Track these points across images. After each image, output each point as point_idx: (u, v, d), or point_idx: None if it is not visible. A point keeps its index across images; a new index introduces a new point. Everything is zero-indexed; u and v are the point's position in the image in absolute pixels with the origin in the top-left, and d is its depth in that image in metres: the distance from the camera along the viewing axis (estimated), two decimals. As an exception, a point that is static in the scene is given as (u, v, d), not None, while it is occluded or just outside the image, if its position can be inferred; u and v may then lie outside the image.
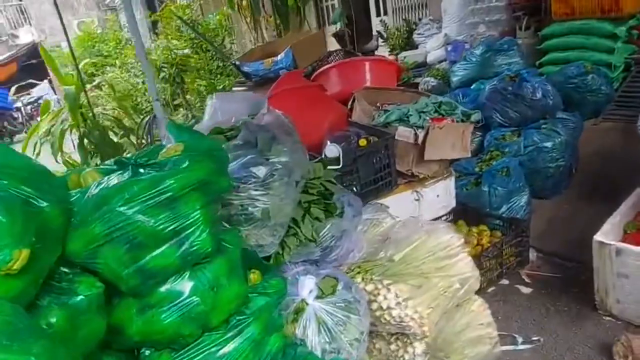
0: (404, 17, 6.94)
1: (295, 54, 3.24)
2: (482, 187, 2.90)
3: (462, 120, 2.68)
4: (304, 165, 1.62)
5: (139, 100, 6.78)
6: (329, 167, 2.31)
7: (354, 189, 2.46)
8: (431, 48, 5.98)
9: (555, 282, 2.60)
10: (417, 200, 2.77)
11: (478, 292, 2.27)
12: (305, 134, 2.52)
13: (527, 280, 2.65)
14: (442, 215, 2.95)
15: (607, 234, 2.06)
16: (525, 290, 2.59)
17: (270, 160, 1.45)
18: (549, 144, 3.02)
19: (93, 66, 10.84)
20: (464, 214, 2.96)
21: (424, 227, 1.97)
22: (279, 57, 3.30)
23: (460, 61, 4.04)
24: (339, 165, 2.29)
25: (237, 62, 3.39)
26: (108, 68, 8.27)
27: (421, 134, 2.52)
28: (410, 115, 2.56)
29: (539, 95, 3.12)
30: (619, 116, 4.15)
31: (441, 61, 5.86)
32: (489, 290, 2.60)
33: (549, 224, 3.01)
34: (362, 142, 2.39)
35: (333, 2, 9.04)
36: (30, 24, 20.65)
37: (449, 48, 5.66)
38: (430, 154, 2.54)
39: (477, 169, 3.10)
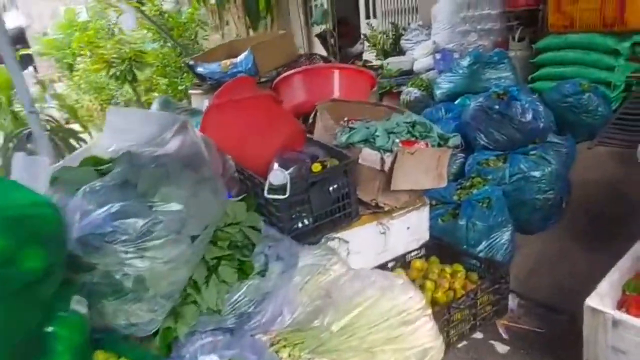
0: (391, 21, 6.56)
1: (258, 56, 2.84)
2: (460, 220, 2.52)
3: (439, 145, 2.30)
4: (212, 211, 1.22)
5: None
6: (274, 196, 1.93)
7: (305, 221, 2.07)
8: (419, 55, 5.60)
9: (537, 338, 2.23)
10: (383, 233, 2.39)
11: (446, 348, 1.89)
12: (253, 155, 2.14)
13: (504, 335, 2.28)
14: (413, 250, 2.57)
15: (602, 297, 1.68)
16: (502, 348, 2.21)
17: (154, 209, 1.05)
18: (537, 174, 2.65)
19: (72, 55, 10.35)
20: (438, 249, 2.58)
21: (377, 282, 1.58)
22: (239, 59, 2.89)
23: (446, 72, 3.66)
24: (284, 194, 1.90)
25: (191, 62, 2.98)
26: (79, 59, 7.79)
27: (389, 158, 2.13)
28: (377, 136, 2.17)
29: (528, 117, 2.75)
30: (617, 140, 3.80)
31: (429, 70, 5.48)
32: (459, 345, 2.22)
33: (535, 265, 2.64)
34: (316, 167, 2.00)
35: (322, 1, 8.65)
36: (17, 9, 20.04)
37: (438, 57, 5.28)
38: (398, 182, 2.15)
39: (455, 197, 2.72)
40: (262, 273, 1.32)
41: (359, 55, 6.14)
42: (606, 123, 3.90)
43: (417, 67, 5.61)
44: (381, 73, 5.69)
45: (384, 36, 6.41)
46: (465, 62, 3.53)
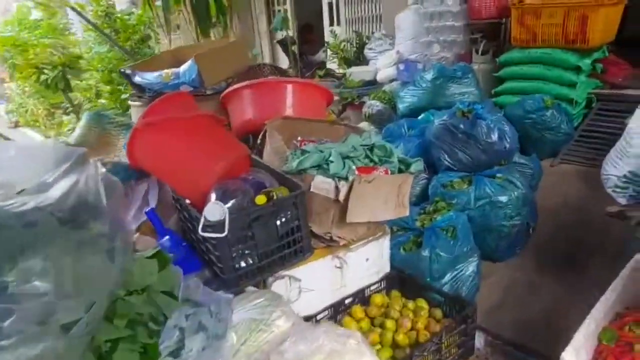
0: (355, 29, 6.39)
1: (203, 66, 2.54)
2: (423, 250, 2.32)
3: (400, 170, 2.09)
4: (103, 281, 0.94)
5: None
6: (210, 235, 1.65)
7: (250, 260, 1.80)
8: (382, 65, 5.45)
9: (506, 382, 2.06)
10: (339, 267, 2.15)
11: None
12: (189, 184, 1.86)
13: (471, 379, 2.09)
14: (373, 284, 2.34)
15: (578, 350, 1.50)
16: (469, 395, 2.02)
17: (10, 292, 0.76)
18: (503, 199, 2.49)
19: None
20: (400, 281, 2.36)
21: (325, 346, 1.33)
22: (182, 69, 2.59)
23: (409, 86, 3.49)
24: (222, 232, 1.63)
25: (128, 70, 2.65)
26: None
27: (344, 187, 1.90)
28: (331, 161, 1.93)
29: (494, 137, 2.59)
30: (579, 158, 3.74)
31: (392, 80, 5.33)
32: (423, 393, 2.00)
33: (502, 297, 2.48)
34: (260, 199, 1.73)
35: (285, 6, 8.41)
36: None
37: (401, 67, 5.14)
38: (354, 214, 1.92)
39: (418, 224, 2.52)
40: (176, 354, 1.04)
41: (321, 64, 5.93)
42: (569, 140, 3.85)
43: (380, 77, 5.45)
44: (343, 83, 5.51)
45: (348, 44, 6.24)
46: (428, 76, 3.37)
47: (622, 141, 3.03)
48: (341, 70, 5.98)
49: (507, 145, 2.62)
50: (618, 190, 3.02)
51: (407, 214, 2.12)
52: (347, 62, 6.13)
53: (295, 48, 5.92)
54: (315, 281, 2.08)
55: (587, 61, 3.87)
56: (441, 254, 2.27)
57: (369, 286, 2.33)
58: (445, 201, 2.57)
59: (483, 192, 2.52)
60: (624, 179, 2.99)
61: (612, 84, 4.26)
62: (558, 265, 2.54)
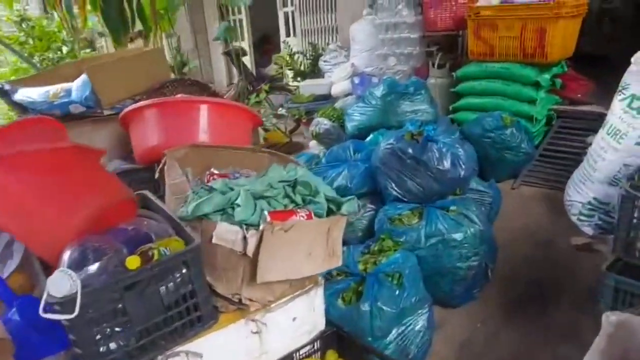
0: (309, 41, 6.06)
1: (98, 82, 2.10)
2: (362, 304, 1.93)
3: (330, 211, 1.69)
4: None
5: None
6: (55, 316, 1.21)
7: (121, 342, 1.35)
8: (337, 78, 5.11)
9: None
10: (256, 332, 1.73)
11: None
12: (43, 245, 1.41)
13: None
14: (304, 346, 1.93)
15: None
16: None
17: None
18: (458, 236, 2.14)
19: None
20: (338, 339, 1.97)
21: None
22: (74, 85, 2.14)
23: (358, 103, 3.14)
24: (72, 312, 1.19)
25: (7, 86, 2.17)
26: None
27: (253, 238, 1.49)
28: (238, 205, 1.51)
29: (446, 164, 2.25)
30: (541, 180, 3.48)
31: (347, 94, 5.00)
32: None
33: (458, 351, 2.11)
34: (132, 262, 1.29)
35: (241, 16, 8.03)
36: None
37: (356, 81, 4.82)
38: (266, 273, 1.51)
39: (360, 267, 2.13)
40: None
41: (272, 77, 5.54)
42: (530, 160, 3.59)
43: (334, 91, 5.11)
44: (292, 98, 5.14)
45: (302, 56, 5.89)
46: (378, 92, 3.02)
47: (585, 164, 2.75)
48: (295, 84, 5.62)
49: (462, 173, 2.29)
50: (583, 218, 2.73)
51: (340, 263, 1.72)
52: (303, 75, 5.78)
53: (246, 60, 5.51)
54: (225, 353, 1.66)
55: (546, 76, 3.64)
56: (384, 308, 1.88)
57: (298, 349, 1.91)
58: (393, 239, 2.20)
59: (435, 228, 2.16)
60: (589, 206, 2.70)
61: (572, 100, 4.07)
62: (522, 309, 2.22)
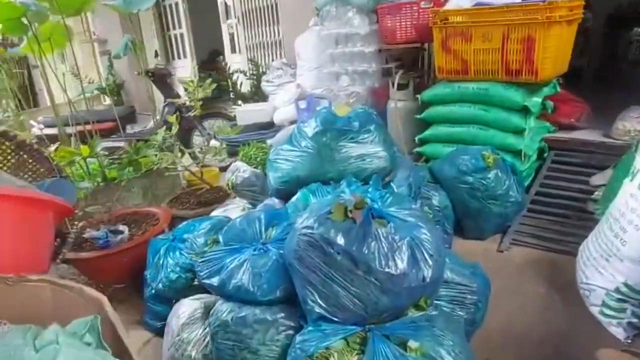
0: (249, 58, 5.16)
1: None
2: None
3: None
4: None
5: None
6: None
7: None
8: (281, 102, 4.20)
9: None
10: None
11: None
12: None
13: None
14: None
15: None
16: None
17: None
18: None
19: None
20: None
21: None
22: None
23: (284, 145, 2.21)
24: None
25: None
26: None
27: None
28: None
29: (401, 263, 1.32)
30: (536, 238, 2.61)
31: (293, 122, 4.10)
32: None
33: None
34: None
35: (181, 30, 7.08)
36: None
37: (301, 105, 3.92)
38: None
39: None
40: None
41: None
42: (520, 210, 2.72)
43: (278, 118, 4.20)
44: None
45: (241, 76, 4.97)
46: (309, 130, 2.10)
47: (606, 230, 1.88)
48: (235, 108, 4.68)
49: (428, 274, 1.36)
50: (609, 312, 1.87)
51: None
52: (244, 99, 4.85)
53: (171, 81, 4.56)
54: None
55: (537, 99, 2.82)
56: None
57: None
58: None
59: (385, 375, 1.25)
60: (618, 295, 1.84)
61: (564, 126, 3.27)
62: None
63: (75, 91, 7.89)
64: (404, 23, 3.30)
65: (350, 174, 2.04)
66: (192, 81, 2.81)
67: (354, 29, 3.55)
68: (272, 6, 5.07)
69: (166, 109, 4.47)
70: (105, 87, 6.33)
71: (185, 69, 7.20)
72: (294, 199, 2.02)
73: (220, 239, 1.77)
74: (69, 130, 4.11)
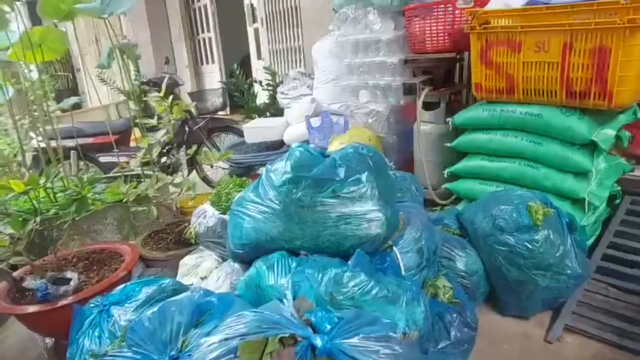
0: (265, 66, 4.64)
1: None
2: None
3: None
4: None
5: None
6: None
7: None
8: (293, 118, 3.66)
9: None
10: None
11: None
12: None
13: None
14: None
15: None
16: None
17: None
18: None
19: None
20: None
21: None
22: None
23: (248, 192, 1.65)
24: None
25: None
26: None
27: None
28: None
29: None
30: (603, 326, 1.87)
31: (305, 142, 3.54)
32: None
33: None
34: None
35: (210, 34, 6.72)
36: None
37: (314, 123, 3.35)
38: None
39: None
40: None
41: (214, 112, 4.14)
42: (579, 283, 1.99)
43: (288, 137, 3.66)
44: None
45: (260, 86, 4.47)
46: (276, 177, 1.53)
47: None
48: (245, 123, 4.19)
49: None
50: None
51: None
52: (258, 112, 4.36)
53: (179, 90, 4.14)
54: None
55: (610, 132, 2.08)
56: None
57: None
58: None
59: None
60: None
61: (643, 160, 2.49)
62: None
63: (113, 96, 7.79)
64: (435, 27, 2.64)
65: (328, 242, 1.45)
66: (162, 98, 2.33)
67: (375, 34, 2.94)
68: (295, 8, 4.54)
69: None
70: (130, 92, 6.06)
71: (213, 74, 6.86)
72: (245, 275, 1.46)
73: (127, 339, 1.24)
74: (70, 143, 3.82)
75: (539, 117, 2.17)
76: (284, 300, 1.05)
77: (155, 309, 1.24)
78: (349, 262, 1.32)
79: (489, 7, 2.24)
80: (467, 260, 1.98)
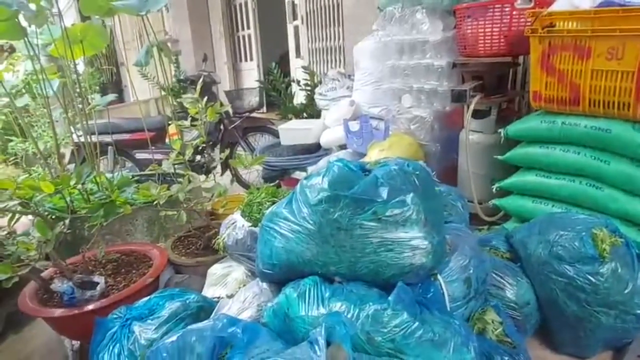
0: (303, 65, 4.51)
1: None
2: None
3: None
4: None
5: None
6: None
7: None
8: (331, 121, 3.52)
9: None
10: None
11: None
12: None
13: None
14: None
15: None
16: None
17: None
18: None
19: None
20: None
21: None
22: None
23: (281, 207, 1.53)
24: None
25: None
26: None
27: None
28: None
29: None
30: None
31: (343, 147, 3.40)
32: None
33: None
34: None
35: (249, 31, 6.68)
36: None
37: (352, 128, 3.20)
38: None
39: None
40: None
41: (250, 112, 4.05)
42: (649, 322, 1.76)
43: (325, 140, 3.52)
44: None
45: (297, 86, 4.36)
46: (312, 195, 1.40)
47: None
48: (282, 125, 4.08)
49: None
50: None
51: None
52: (295, 113, 4.24)
53: (216, 89, 4.08)
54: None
55: (693, 152, 1.82)
56: None
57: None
58: None
59: None
60: None
61: None
62: None
63: (154, 91, 7.90)
64: (490, 29, 2.43)
65: (366, 269, 1.31)
66: (196, 99, 2.25)
67: (422, 35, 2.75)
68: (337, 5, 4.39)
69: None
70: (170, 89, 6.11)
71: (251, 72, 6.82)
72: (274, 302, 1.33)
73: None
74: (107, 139, 3.83)
75: (607, 132, 1.93)
76: (316, 347, 0.92)
77: (174, 338, 1.13)
78: (390, 298, 1.17)
79: (554, 7, 2.01)
80: (519, 290, 1.78)
